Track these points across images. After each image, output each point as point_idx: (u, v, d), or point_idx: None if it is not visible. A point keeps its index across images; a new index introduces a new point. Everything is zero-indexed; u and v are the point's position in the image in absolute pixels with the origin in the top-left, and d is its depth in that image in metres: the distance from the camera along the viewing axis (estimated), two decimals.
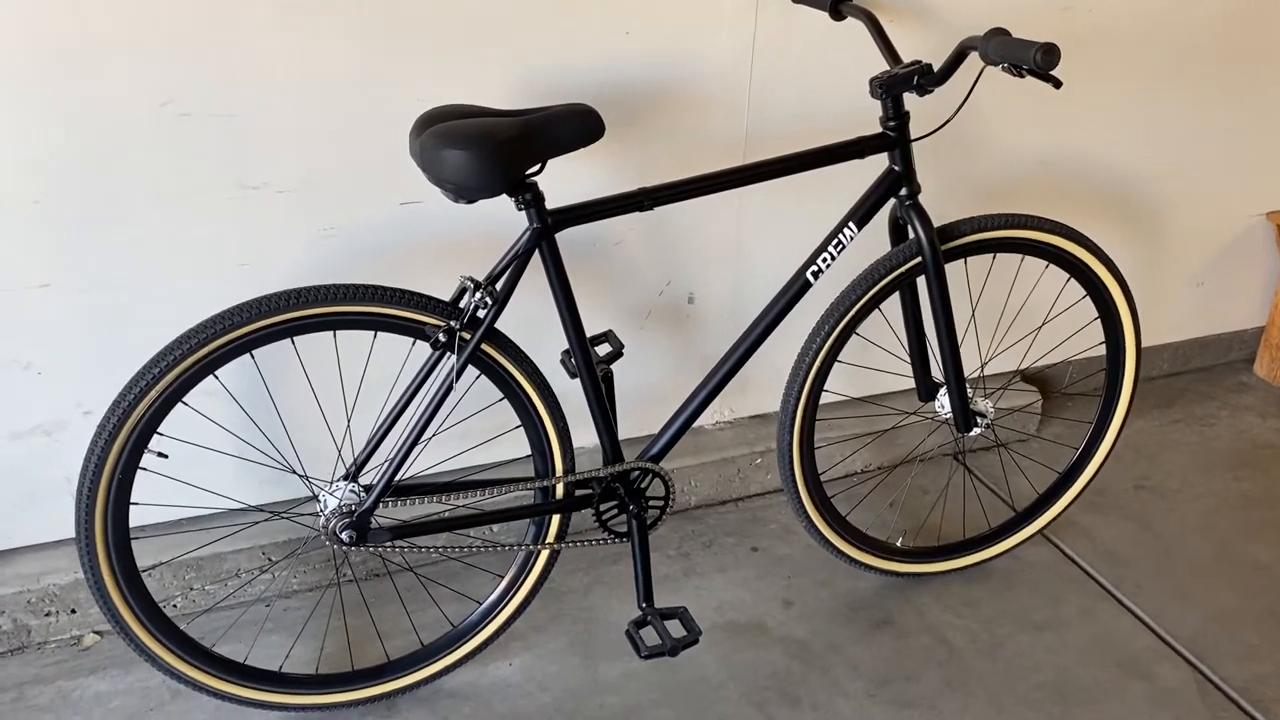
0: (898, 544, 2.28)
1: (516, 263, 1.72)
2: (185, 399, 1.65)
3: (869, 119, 1.89)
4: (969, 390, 2.12)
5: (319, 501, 1.78)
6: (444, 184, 1.60)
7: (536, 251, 1.73)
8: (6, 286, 1.85)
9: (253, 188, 1.92)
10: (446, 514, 1.92)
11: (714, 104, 2.19)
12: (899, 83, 1.80)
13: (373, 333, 1.74)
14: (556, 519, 1.95)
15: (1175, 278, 2.97)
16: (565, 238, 2.12)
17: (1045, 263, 2.09)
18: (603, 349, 2.04)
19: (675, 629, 1.92)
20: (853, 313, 1.97)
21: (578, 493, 1.94)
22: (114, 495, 1.65)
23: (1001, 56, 1.58)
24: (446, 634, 1.99)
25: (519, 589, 1.98)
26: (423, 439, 1.74)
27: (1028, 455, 2.66)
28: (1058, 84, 1.61)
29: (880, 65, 1.87)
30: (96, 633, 2.11)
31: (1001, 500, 2.55)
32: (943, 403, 2.14)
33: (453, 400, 1.82)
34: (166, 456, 1.71)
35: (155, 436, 1.66)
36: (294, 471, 1.89)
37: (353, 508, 1.75)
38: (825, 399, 2.07)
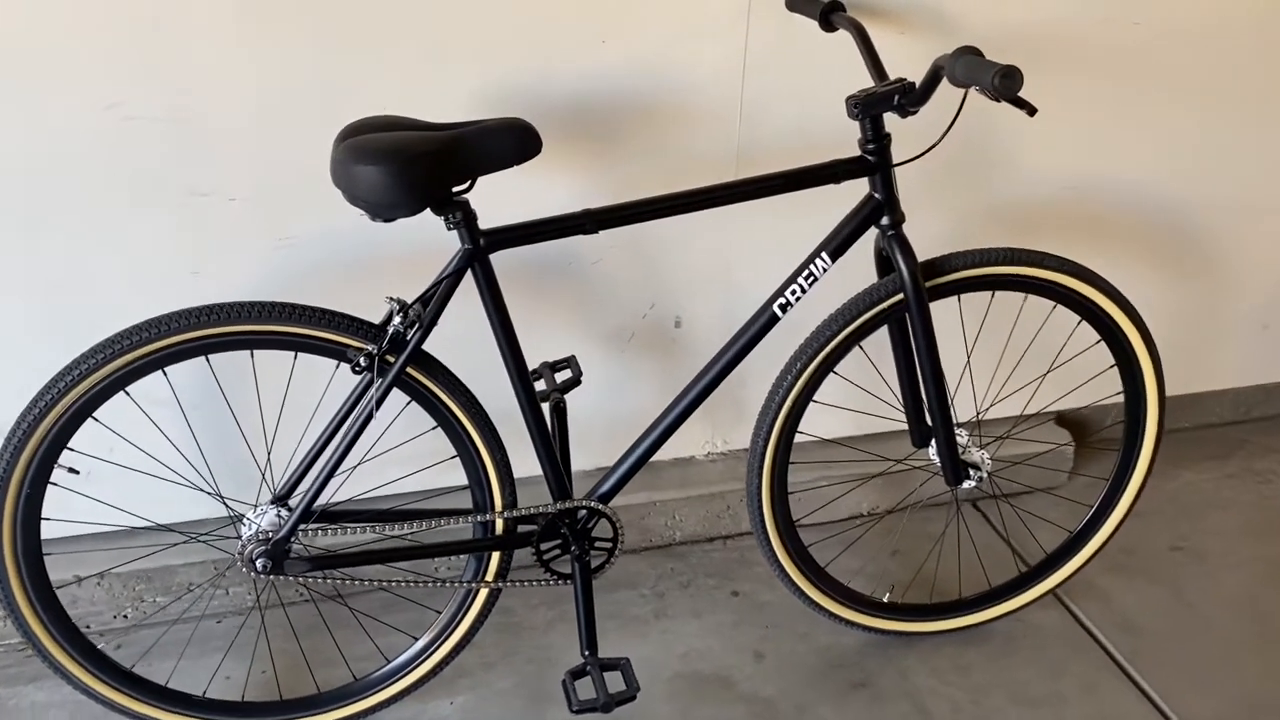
0: (883, 599, 2.11)
1: (446, 284, 1.62)
2: (95, 414, 1.59)
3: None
4: (964, 439, 1.94)
5: (243, 525, 1.70)
6: (358, 201, 1.50)
7: (469, 273, 1.62)
8: None
9: (203, 194, 1.85)
10: (376, 545, 1.82)
11: (703, 118, 2.05)
12: (877, 102, 1.64)
13: (293, 354, 1.65)
14: (497, 556, 1.83)
15: (1237, 318, 2.70)
16: (538, 254, 2.02)
17: (1052, 303, 1.89)
18: (561, 375, 1.93)
19: (614, 682, 1.79)
20: (826, 351, 1.81)
21: (521, 529, 1.83)
22: (22, 509, 1.60)
23: (966, 78, 1.41)
24: (379, 669, 1.90)
25: (456, 628, 1.87)
26: (344, 466, 1.65)
27: (1034, 510, 2.41)
28: (1031, 110, 1.43)
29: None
30: None
31: (1018, 556, 2.34)
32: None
33: (381, 426, 1.74)
34: (78, 472, 1.66)
35: (65, 451, 1.60)
36: (212, 493, 1.81)
37: (270, 534, 1.67)
38: (812, 439, 1.91)
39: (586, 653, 1.83)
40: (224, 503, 1.78)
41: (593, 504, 1.82)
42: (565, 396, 1.88)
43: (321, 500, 1.70)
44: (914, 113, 1.65)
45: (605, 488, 1.84)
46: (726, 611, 2.20)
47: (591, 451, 2.30)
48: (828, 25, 1.85)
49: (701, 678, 2.04)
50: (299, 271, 1.94)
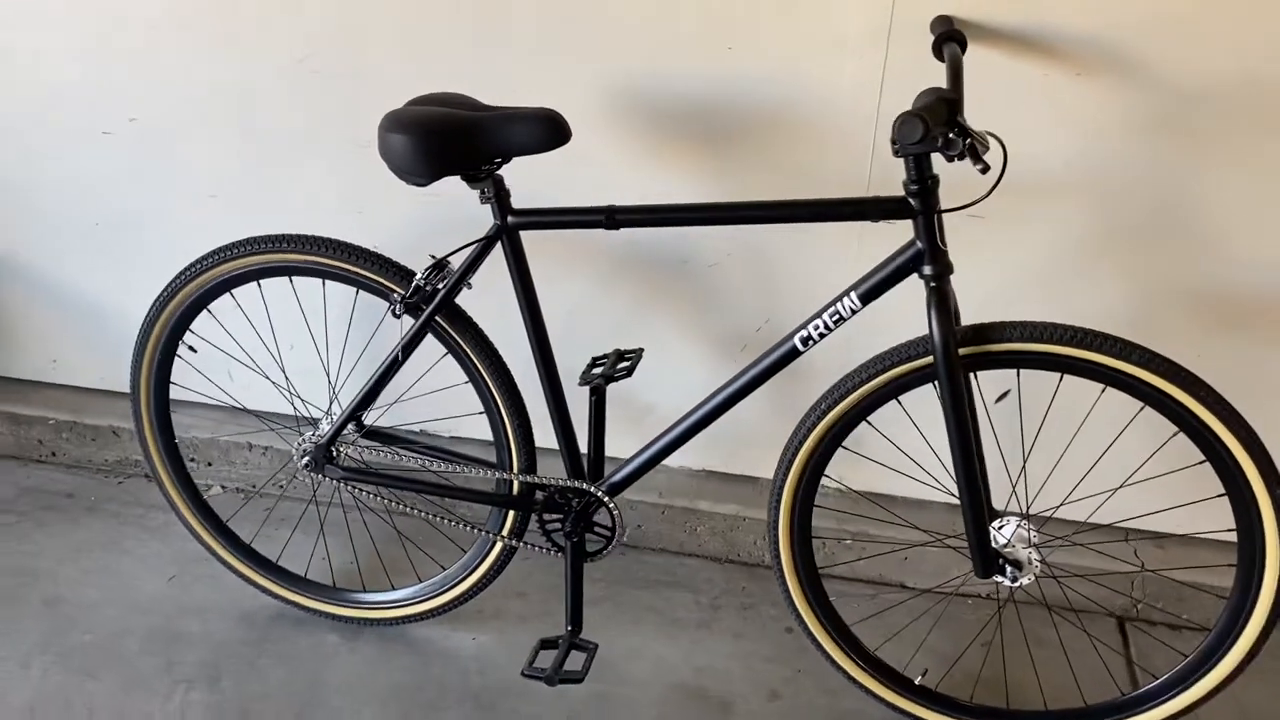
0: (915, 680, 1.93)
1: (475, 248, 1.77)
2: (209, 308, 1.95)
3: (1025, 172, 1.60)
4: (1014, 531, 1.72)
5: (310, 426, 1.99)
6: (388, 164, 1.69)
7: (499, 245, 1.75)
8: (189, 194, 2.29)
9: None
10: (407, 474, 2.01)
11: (834, 134, 1.97)
12: (922, 141, 1.50)
13: (355, 290, 1.89)
14: (512, 514, 1.96)
15: None
16: (653, 248, 2.13)
17: (1140, 404, 1.61)
18: (623, 365, 2.00)
19: (574, 661, 1.86)
20: (848, 400, 1.71)
21: (539, 495, 1.93)
22: (155, 374, 2.01)
23: None
24: (407, 587, 2.11)
25: (472, 572, 2.02)
26: (400, 399, 1.89)
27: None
28: (983, 168, 1.25)
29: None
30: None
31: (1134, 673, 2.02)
32: (1001, 536, 1.75)
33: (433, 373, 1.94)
34: (195, 351, 2.04)
35: (188, 333, 1.98)
36: (287, 393, 2.13)
37: (318, 440, 1.94)
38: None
39: (569, 628, 1.91)
40: (294, 407, 2.08)
41: (594, 490, 1.87)
42: (608, 385, 1.94)
43: (377, 423, 1.95)
44: (960, 158, 1.49)
45: (615, 479, 1.89)
46: (768, 644, 2.14)
47: (693, 450, 2.34)
48: (938, 54, 1.71)
49: (702, 695, 2.02)
50: (435, 224, 2.18)
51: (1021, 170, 1.89)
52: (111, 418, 2.55)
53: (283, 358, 2.17)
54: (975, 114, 1.76)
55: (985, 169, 1.29)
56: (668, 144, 2.03)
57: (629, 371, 1.98)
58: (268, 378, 2.18)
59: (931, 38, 1.79)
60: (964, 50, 1.72)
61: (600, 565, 2.27)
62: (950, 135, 1.34)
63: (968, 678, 2.01)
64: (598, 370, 1.98)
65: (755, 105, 1.98)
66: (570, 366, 1.94)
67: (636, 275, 2.18)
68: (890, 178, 1.96)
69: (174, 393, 2.24)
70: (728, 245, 2.13)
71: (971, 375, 1.65)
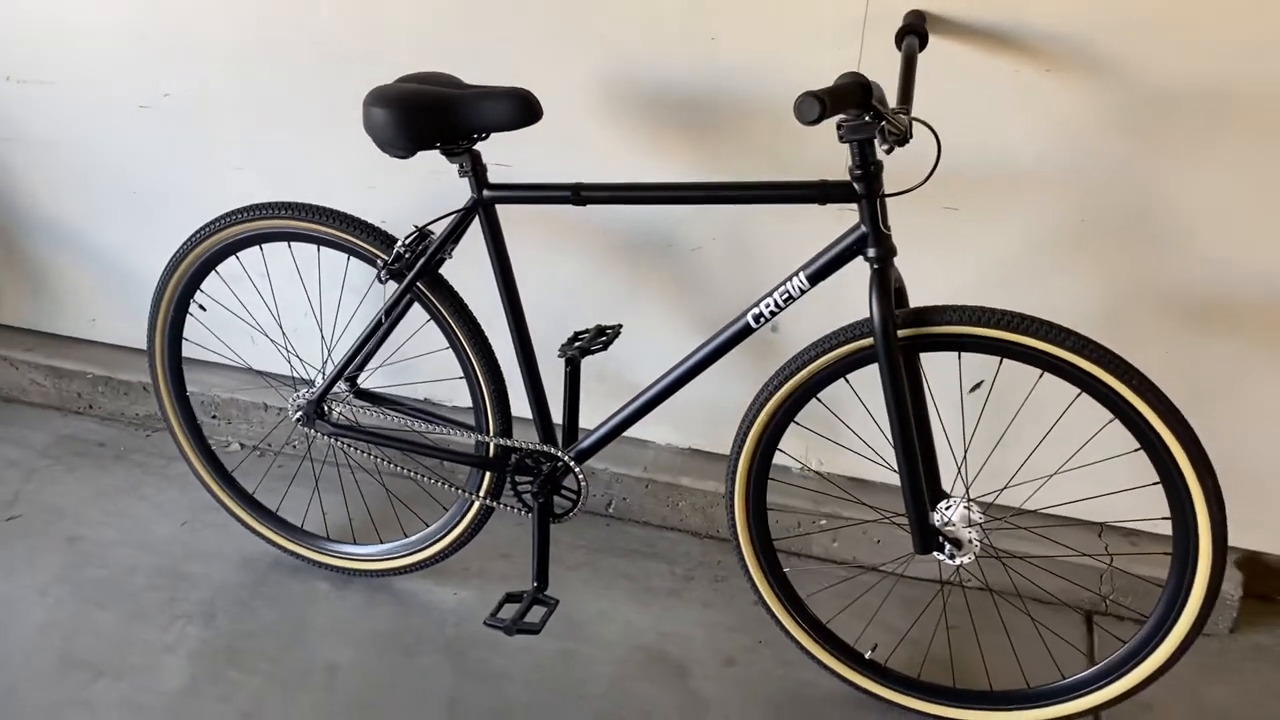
0: (865, 654, 1.99)
1: (453, 219, 1.88)
2: (217, 269, 2.10)
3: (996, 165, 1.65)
4: (957, 511, 1.78)
5: (307, 385, 2.12)
6: (372, 136, 1.81)
7: (476, 217, 1.86)
8: (219, 166, 2.45)
9: None
10: (391, 431, 2.13)
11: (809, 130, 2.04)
12: (862, 127, 1.57)
13: (346, 257, 2.01)
14: (488, 475, 2.06)
15: None
16: (640, 231, 2.24)
17: (1077, 390, 1.66)
18: (601, 340, 2.09)
19: (534, 614, 1.96)
20: (797, 378, 1.78)
21: (512, 458, 2.04)
22: (169, 331, 2.17)
23: None
24: (394, 541, 2.23)
25: (451, 530, 2.14)
26: (366, 355, 2.01)
27: None
28: (888, 149, 1.32)
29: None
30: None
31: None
32: (943, 515, 1.80)
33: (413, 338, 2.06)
34: (205, 309, 2.18)
35: (198, 293, 2.13)
36: (285, 350, 2.27)
37: (310, 396, 2.07)
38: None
39: (535, 584, 2.01)
40: (290, 365, 2.22)
41: (562, 455, 1.97)
42: (583, 358, 2.03)
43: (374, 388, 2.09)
44: (895, 146, 1.55)
45: (582, 446, 1.98)
46: (733, 614, 2.22)
47: (679, 429, 2.43)
48: (898, 44, 1.78)
49: (663, 658, 2.10)
50: (441, 199, 2.27)
51: (992, 164, 1.96)
52: (143, 374, 2.72)
53: (285, 322, 2.31)
54: (945, 108, 1.83)
55: (889, 150, 1.35)
56: (656, 131, 2.12)
57: (605, 346, 2.07)
58: (270, 339, 2.32)
59: None
60: (923, 45, 1.78)
61: (583, 534, 2.40)
62: (866, 118, 1.41)
63: (920, 656, 2.06)
64: (576, 344, 2.08)
65: (738, 94, 2.05)
66: (556, 341, 2.04)
67: (623, 257, 2.27)
68: None
69: (200, 355, 2.42)
70: (711, 230, 2.21)
71: (918, 357, 1.72)
